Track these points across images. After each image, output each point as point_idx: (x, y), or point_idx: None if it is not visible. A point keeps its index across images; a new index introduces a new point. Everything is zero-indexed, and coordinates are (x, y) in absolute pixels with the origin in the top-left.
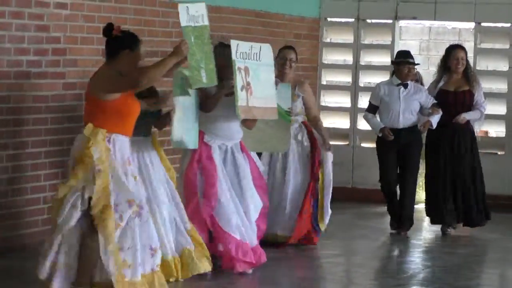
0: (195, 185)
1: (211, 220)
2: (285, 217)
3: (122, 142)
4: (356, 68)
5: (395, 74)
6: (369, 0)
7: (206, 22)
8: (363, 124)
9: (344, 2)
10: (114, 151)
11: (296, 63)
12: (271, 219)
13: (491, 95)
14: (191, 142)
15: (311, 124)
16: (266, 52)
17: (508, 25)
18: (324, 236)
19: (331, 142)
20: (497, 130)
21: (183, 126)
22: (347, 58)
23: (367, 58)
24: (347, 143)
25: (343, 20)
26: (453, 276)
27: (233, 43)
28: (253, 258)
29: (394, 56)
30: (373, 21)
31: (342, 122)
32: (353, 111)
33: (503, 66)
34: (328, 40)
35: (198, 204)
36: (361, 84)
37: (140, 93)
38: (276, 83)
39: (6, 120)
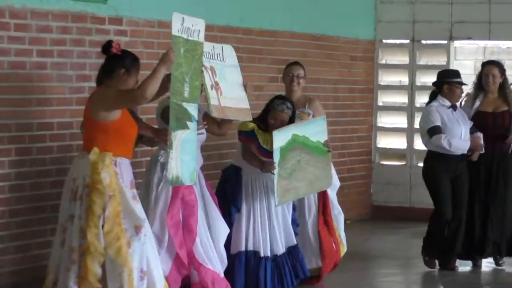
0: (178, 220)
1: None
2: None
3: (126, 165)
4: (412, 89)
5: (444, 95)
6: (424, 22)
7: (202, 40)
8: (419, 144)
9: (399, 23)
10: (121, 174)
11: (305, 80)
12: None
13: None
14: (188, 177)
15: None
16: (229, 53)
17: None
18: (385, 252)
19: (389, 163)
20: None
21: (178, 163)
22: (403, 79)
23: (422, 79)
24: (404, 163)
25: (398, 41)
26: None
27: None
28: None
29: (442, 75)
30: (428, 42)
31: (398, 142)
32: (409, 131)
33: None
34: (383, 61)
35: (183, 236)
36: (417, 105)
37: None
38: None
39: (69, 146)
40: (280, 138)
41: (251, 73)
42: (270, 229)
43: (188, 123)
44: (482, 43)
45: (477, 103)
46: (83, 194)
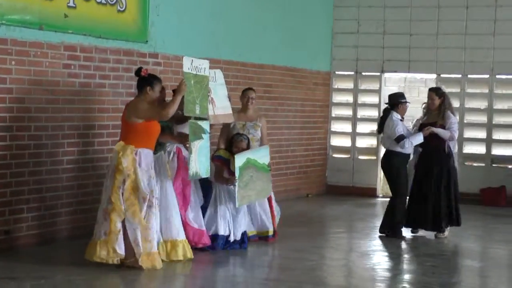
0: (180, 191)
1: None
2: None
3: (147, 154)
4: (355, 106)
5: (398, 111)
6: (364, 59)
7: (207, 74)
8: (359, 143)
9: (347, 60)
10: (140, 161)
11: (255, 100)
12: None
13: None
14: (204, 172)
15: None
16: (219, 75)
17: (459, 76)
18: (335, 217)
19: (338, 156)
20: None
21: (197, 163)
22: (349, 98)
23: (362, 99)
24: (349, 156)
25: (346, 73)
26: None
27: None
28: (206, 240)
29: (396, 97)
30: (367, 73)
31: (345, 142)
32: (353, 134)
33: (456, 104)
34: (336, 86)
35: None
36: (359, 116)
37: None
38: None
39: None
40: (239, 160)
41: None
42: (230, 217)
43: (203, 135)
44: (403, 74)
45: (425, 117)
46: (111, 173)
